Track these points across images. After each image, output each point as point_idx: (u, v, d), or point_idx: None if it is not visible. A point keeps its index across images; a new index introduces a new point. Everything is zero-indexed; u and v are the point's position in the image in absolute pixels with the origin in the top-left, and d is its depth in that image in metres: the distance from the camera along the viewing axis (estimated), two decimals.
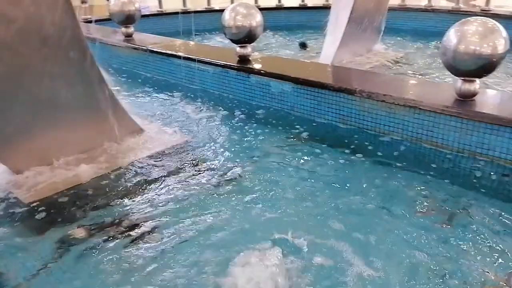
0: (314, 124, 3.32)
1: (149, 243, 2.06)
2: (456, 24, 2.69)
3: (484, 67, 2.59)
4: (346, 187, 2.48)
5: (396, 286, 1.76)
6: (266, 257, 1.88)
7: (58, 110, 2.67)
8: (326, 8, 6.09)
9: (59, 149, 2.75)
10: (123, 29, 4.95)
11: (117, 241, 2.08)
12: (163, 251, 2.00)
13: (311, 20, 7.20)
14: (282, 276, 1.80)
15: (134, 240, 2.09)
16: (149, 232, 2.14)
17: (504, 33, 2.59)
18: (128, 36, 4.96)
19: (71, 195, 2.48)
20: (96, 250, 2.02)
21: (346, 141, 3.02)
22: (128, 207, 2.35)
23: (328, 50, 4.95)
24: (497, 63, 2.58)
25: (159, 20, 7.15)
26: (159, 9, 7.40)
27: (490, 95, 2.98)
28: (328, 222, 2.16)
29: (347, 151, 2.87)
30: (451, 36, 2.64)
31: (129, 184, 2.57)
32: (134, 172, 2.70)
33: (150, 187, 2.54)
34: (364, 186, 2.48)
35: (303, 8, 7.58)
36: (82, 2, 7.48)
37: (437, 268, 1.85)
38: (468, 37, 2.57)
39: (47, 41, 2.44)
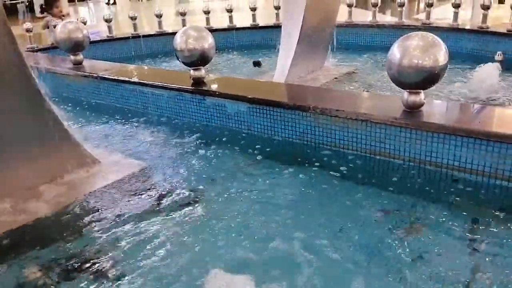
0: (271, 142, 3.35)
1: (107, 279, 1.99)
2: (399, 40, 2.81)
3: (427, 79, 2.71)
4: (306, 203, 2.50)
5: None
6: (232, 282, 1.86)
7: (3, 147, 2.56)
8: (277, 27, 6.22)
9: (5, 187, 2.62)
10: (72, 57, 4.84)
11: (74, 281, 2.00)
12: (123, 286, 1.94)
13: (264, 39, 7.35)
14: None
15: (93, 277, 2.01)
16: (107, 269, 2.06)
17: (443, 46, 2.73)
18: (77, 63, 4.85)
19: (19, 233, 2.36)
20: None
21: (303, 157, 3.06)
22: (83, 243, 2.26)
23: (282, 68, 5.05)
24: (439, 74, 2.71)
25: (109, 45, 7.07)
26: (108, 35, 7.31)
27: (435, 105, 3.12)
28: (291, 240, 2.17)
29: (304, 167, 2.91)
30: (395, 51, 2.76)
31: (83, 219, 2.48)
32: (89, 205, 2.62)
33: (106, 219, 2.46)
34: (324, 200, 2.52)
35: (254, 28, 7.70)
36: (44, 28, 7.29)
37: (396, 272, 1.90)
38: (411, 51, 2.69)
39: None
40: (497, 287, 1.80)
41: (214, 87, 3.75)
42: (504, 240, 2.09)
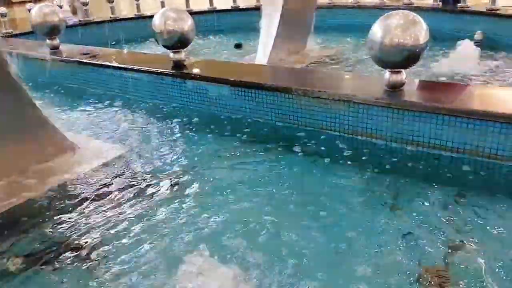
0: (254, 125, 3.32)
1: (90, 263, 1.97)
2: (380, 18, 2.79)
3: (408, 58, 2.71)
4: (289, 184, 2.50)
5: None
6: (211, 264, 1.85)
7: None
8: (258, 9, 6.13)
9: None
10: (48, 41, 4.70)
11: (56, 265, 1.96)
12: (106, 271, 1.92)
13: (245, 22, 7.24)
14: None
15: (75, 262, 1.98)
16: (88, 253, 2.03)
17: (424, 25, 2.72)
18: (54, 48, 4.72)
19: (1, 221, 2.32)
20: (36, 277, 1.90)
21: (286, 139, 3.05)
22: (66, 228, 2.23)
23: (263, 50, 5.00)
24: (420, 53, 2.71)
25: (86, 30, 6.89)
26: (87, 18, 7.13)
27: (416, 84, 3.13)
28: (276, 221, 2.17)
29: (288, 149, 2.90)
30: (376, 31, 2.74)
31: (66, 203, 2.44)
32: (69, 191, 2.57)
33: (89, 204, 2.42)
34: (307, 181, 2.52)
35: (235, 10, 7.60)
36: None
37: (381, 248, 1.92)
38: (392, 30, 2.68)
39: None
40: (479, 259, 1.83)
41: (195, 70, 3.69)
42: (486, 213, 2.12)
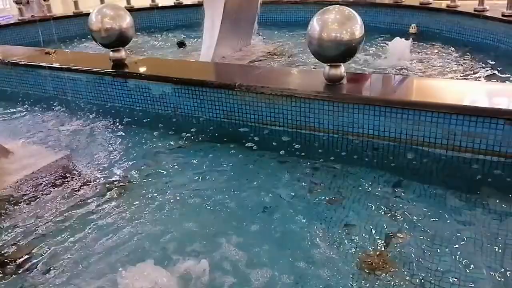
0: (199, 123, 3.30)
1: (29, 272, 1.88)
2: (317, 14, 2.85)
3: (345, 52, 2.79)
4: (235, 180, 2.51)
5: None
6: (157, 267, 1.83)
7: None
8: (201, 5, 6.07)
9: None
10: None
11: None
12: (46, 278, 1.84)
13: (188, 19, 7.17)
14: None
15: (12, 272, 1.88)
16: (26, 261, 1.95)
17: (359, 19, 2.81)
18: None
19: None
20: None
21: (232, 136, 3.06)
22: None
23: (207, 48, 4.96)
24: (356, 47, 2.79)
25: (20, 29, 6.54)
26: (20, 18, 6.76)
27: (355, 78, 3.23)
28: (229, 219, 2.18)
29: (233, 145, 2.91)
30: (314, 26, 2.80)
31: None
32: (4, 199, 2.43)
33: (21, 211, 2.31)
34: (253, 176, 2.54)
35: (178, 6, 7.47)
36: None
37: (328, 237, 1.97)
38: (329, 25, 2.75)
39: None
40: (412, 243, 1.93)
41: (135, 68, 3.60)
42: (421, 198, 2.23)
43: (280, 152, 2.79)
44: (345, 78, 2.94)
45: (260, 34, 6.02)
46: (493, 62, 4.46)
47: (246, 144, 2.91)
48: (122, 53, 3.72)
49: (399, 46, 4.70)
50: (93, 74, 3.71)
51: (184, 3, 7.50)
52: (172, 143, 3.03)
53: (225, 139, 3.00)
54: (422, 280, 1.74)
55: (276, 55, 5.31)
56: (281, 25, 6.83)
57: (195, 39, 6.06)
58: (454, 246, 1.90)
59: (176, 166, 2.72)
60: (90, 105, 3.76)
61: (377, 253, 1.90)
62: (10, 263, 1.96)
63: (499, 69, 4.29)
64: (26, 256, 2.00)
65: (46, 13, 6.99)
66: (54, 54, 4.23)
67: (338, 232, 2.04)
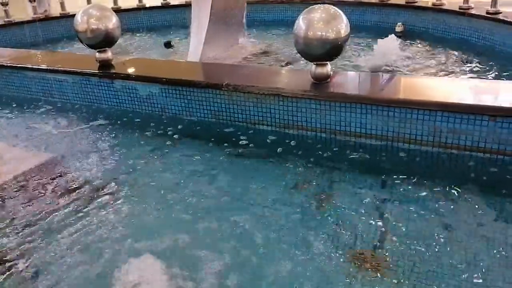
0: (187, 123, 3.29)
1: (15, 276, 1.86)
2: (303, 12, 2.86)
3: (331, 50, 2.80)
4: (223, 180, 2.51)
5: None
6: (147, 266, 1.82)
7: None
8: (189, 5, 6.05)
9: None
10: None
11: None
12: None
13: (176, 19, 7.14)
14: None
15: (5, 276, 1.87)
16: (12, 266, 1.93)
17: (345, 18, 2.82)
18: None
19: None
20: None
21: (220, 136, 3.05)
22: None
23: (194, 48, 4.94)
24: (342, 45, 2.81)
25: (6, 32, 6.47)
26: (6, 19, 6.67)
27: (341, 76, 3.24)
28: (218, 220, 2.17)
29: (222, 145, 2.90)
30: (300, 25, 2.81)
31: None
32: None
33: (11, 217, 2.28)
34: (241, 176, 2.54)
35: (165, 7, 7.43)
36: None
37: (315, 236, 1.98)
38: (314, 24, 2.76)
39: None
40: (404, 246, 1.95)
41: (122, 69, 3.58)
42: (409, 198, 2.25)
43: (268, 151, 2.79)
44: (332, 77, 2.95)
45: (249, 33, 6.02)
46: (477, 59, 4.52)
47: (234, 144, 2.91)
48: (108, 54, 3.69)
49: (387, 43, 4.73)
50: (79, 75, 3.68)
51: (171, 4, 7.47)
52: (160, 143, 3.01)
53: (213, 139, 3.00)
54: (414, 281, 1.76)
55: (265, 55, 5.32)
56: (268, 25, 6.83)
57: (183, 39, 6.04)
58: (439, 245, 1.92)
59: (164, 167, 2.71)
60: (77, 106, 3.73)
61: (365, 252, 1.91)
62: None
63: (483, 66, 4.34)
64: (13, 260, 1.97)
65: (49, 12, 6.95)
66: (40, 55, 4.19)
67: (325, 231, 2.05)
